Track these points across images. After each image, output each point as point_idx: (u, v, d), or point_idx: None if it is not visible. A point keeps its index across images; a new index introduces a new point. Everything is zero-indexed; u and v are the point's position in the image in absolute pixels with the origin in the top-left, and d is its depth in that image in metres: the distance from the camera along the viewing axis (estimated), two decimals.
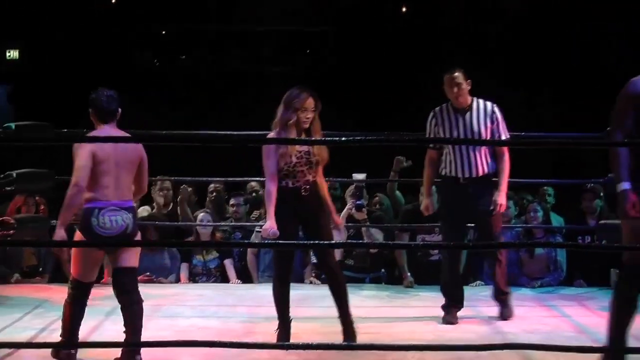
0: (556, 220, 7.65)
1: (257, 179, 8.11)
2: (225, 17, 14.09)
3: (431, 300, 6.73)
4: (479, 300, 6.71)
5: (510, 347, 4.58)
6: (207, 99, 13.41)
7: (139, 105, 12.48)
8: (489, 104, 5.99)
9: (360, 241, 6.96)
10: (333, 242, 5.28)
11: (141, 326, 4.81)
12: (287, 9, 13.77)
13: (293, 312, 5.55)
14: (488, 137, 5.93)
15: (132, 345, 4.79)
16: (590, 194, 7.68)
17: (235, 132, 6.84)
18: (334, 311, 5.77)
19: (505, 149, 5.97)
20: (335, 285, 5.34)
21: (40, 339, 5.34)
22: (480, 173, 5.95)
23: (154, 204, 8.07)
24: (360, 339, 5.35)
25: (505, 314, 6.09)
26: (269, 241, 5.22)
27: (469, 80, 5.95)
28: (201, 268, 7.61)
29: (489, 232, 6.01)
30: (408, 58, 13.46)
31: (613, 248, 5.39)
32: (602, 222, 7.25)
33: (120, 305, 4.88)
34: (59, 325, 5.01)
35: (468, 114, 5.95)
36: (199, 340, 4.29)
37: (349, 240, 5.25)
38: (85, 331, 5.22)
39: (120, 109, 4.94)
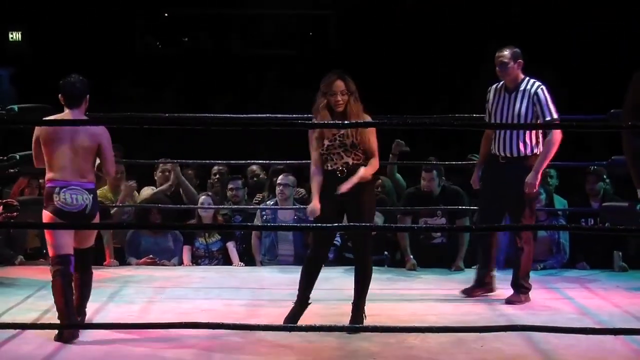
0: (559, 203, 7.64)
1: (259, 162, 8.15)
2: (227, 1, 14.06)
3: (433, 283, 6.75)
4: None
5: (512, 329, 4.60)
6: (209, 83, 13.38)
7: (140, 88, 12.49)
8: (536, 84, 5.99)
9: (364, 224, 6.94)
10: (366, 225, 5.20)
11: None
12: None
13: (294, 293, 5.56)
14: (529, 118, 5.94)
15: (136, 326, 4.81)
16: (593, 176, 7.67)
17: (235, 115, 6.84)
18: (336, 293, 5.80)
19: (554, 131, 5.92)
20: (361, 270, 5.30)
21: (44, 320, 5.34)
22: (519, 153, 5.98)
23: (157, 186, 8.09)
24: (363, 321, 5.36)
25: (512, 300, 6.03)
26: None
27: (519, 61, 5.99)
28: (203, 251, 7.61)
29: (517, 215, 6.01)
30: (412, 42, 13.42)
31: (616, 230, 5.37)
32: (605, 204, 7.25)
33: (80, 281, 5.13)
34: None
35: (514, 94, 6.00)
36: (203, 322, 4.28)
37: (351, 223, 5.19)
38: (88, 313, 5.23)
39: (88, 95, 5.14)
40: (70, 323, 4.89)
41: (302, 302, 5.30)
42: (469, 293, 6.23)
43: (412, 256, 7.30)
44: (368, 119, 5.23)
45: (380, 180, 7.94)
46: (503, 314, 5.70)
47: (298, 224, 7.34)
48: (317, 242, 5.37)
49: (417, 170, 7.65)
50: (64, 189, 5.01)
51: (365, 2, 13.82)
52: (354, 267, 5.40)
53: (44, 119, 5.18)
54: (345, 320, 5.22)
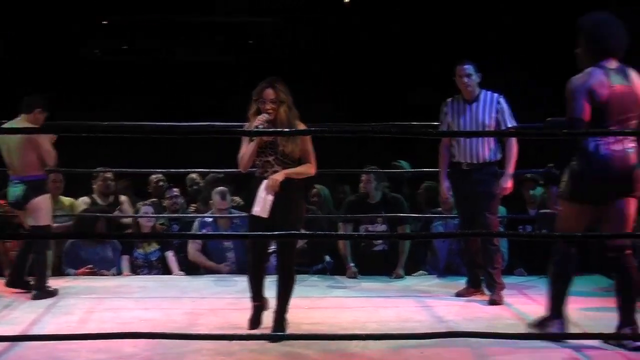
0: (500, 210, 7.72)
1: (197, 170, 8.10)
2: (169, 8, 13.98)
3: (374, 290, 6.77)
4: (421, 289, 6.76)
5: (452, 336, 4.62)
6: (152, 91, 13.29)
7: (83, 96, 12.36)
8: (495, 95, 6.33)
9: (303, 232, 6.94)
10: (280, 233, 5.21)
11: None
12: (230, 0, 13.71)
13: (238, 302, 5.54)
14: (493, 126, 6.25)
15: (74, 337, 4.74)
16: (530, 183, 7.78)
17: (176, 124, 6.79)
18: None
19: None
20: (284, 279, 5.30)
21: None
22: (484, 159, 6.26)
23: (94, 195, 7.99)
24: (304, 329, 5.36)
25: (493, 301, 6.23)
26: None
27: (479, 73, 6.30)
28: (142, 260, 7.54)
29: (484, 219, 6.25)
30: (354, 48, 13.49)
31: (553, 237, 5.47)
32: (542, 211, 7.35)
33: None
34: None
35: (475, 104, 6.30)
36: (143, 332, 4.24)
37: (288, 232, 5.18)
38: (25, 324, 5.15)
39: (31, 105, 6.38)
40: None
41: (257, 306, 5.37)
42: (463, 294, 6.43)
43: (352, 264, 7.32)
44: (301, 127, 5.22)
45: (315, 189, 7.97)
46: (443, 320, 5.74)
47: (235, 232, 7.35)
48: (252, 249, 5.41)
49: (358, 178, 7.70)
50: (9, 184, 6.44)
51: (306, 9, 13.85)
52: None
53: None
54: (292, 328, 5.24)
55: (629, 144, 4.84)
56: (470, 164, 6.30)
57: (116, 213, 7.87)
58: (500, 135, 6.37)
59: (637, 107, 4.87)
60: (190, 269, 7.54)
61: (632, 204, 4.91)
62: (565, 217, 4.98)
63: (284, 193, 5.18)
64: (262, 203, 5.18)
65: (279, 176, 5.16)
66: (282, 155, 5.21)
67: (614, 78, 4.84)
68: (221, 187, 7.53)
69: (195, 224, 7.66)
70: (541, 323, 5.15)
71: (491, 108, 6.27)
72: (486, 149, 6.28)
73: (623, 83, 4.84)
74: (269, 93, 5.20)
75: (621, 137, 4.80)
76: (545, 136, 5.04)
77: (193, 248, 7.52)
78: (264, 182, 5.20)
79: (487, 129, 6.26)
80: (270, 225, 5.08)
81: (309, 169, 5.26)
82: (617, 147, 4.81)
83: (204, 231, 7.56)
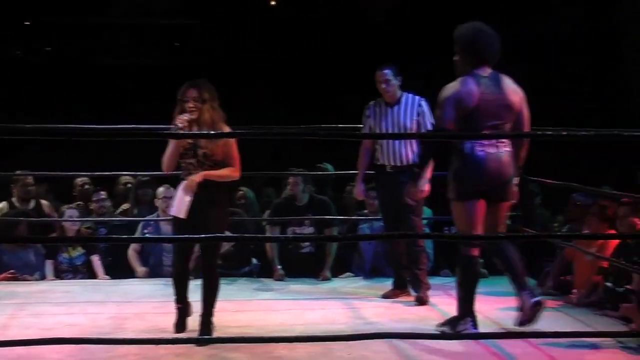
0: (424, 212, 7.80)
1: (125, 173, 8.00)
2: (92, 10, 13.82)
3: (301, 293, 6.78)
4: (348, 291, 6.79)
5: (378, 337, 4.67)
6: (73, 92, 13.10)
7: (3, 97, 12.13)
8: (416, 98, 6.41)
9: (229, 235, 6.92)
10: (203, 236, 5.20)
11: None
12: (156, 2, 13.61)
13: (165, 305, 5.49)
14: (414, 129, 6.33)
15: None
16: None
17: (100, 126, 6.70)
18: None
19: None
20: (207, 283, 5.29)
21: None
22: (406, 162, 6.33)
23: (13, 200, 7.82)
24: (231, 332, 5.35)
25: (419, 298, 6.36)
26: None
27: (399, 77, 6.38)
28: (67, 265, 7.42)
29: (409, 221, 6.34)
30: (282, 50, 13.51)
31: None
32: None
33: None
34: None
35: (396, 107, 6.37)
36: (66, 337, 4.18)
37: (214, 234, 5.17)
38: None
39: None
40: None
41: (180, 309, 5.38)
42: (389, 296, 6.48)
43: (280, 266, 7.32)
44: (226, 129, 5.23)
45: (242, 192, 7.95)
46: (370, 322, 5.78)
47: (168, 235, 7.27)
48: (176, 251, 5.46)
49: (284, 180, 7.71)
50: None
51: (232, 11, 13.83)
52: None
53: None
54: (219, 331, 5.22)
55: (504, 148, 5.22)
56: (394, 167, 6.37)
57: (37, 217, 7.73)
58: (418, 138, 6.46)
59: (510, 113, 5.25)
60: (116, 273, 7.43)
61: (505, 208, 5.37)
62: (458, 217, 5.30)
63: (204, 195, 5.18)
64: (179, 203, 5.21)
65: (197, 177, 5.17)
66: (204, 157, 5.21)
67: (485, 86, 5.21)
68: (164, 189, 7.42)
69: (139, 228, 7.57)
70: (451, 322, 5.31)
71: (412, 111, 6.36)
72: (409, 152, 6.36)
73: (494, 91, 5.22)
74: (192, 92, 5.20)
75: (494, 141, 5.19)
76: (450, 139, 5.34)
77: (131, 248, 7.44)
78: (183, 183, 5.22)
79: (408, 132, 6.36)
80: (192, 227, 5.08)
81: (231, 172, 5.25)
82: (491, 149, 5.19)
83: (145, 231, 7.49)
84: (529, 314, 5.22)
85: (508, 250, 5.40)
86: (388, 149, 6.38)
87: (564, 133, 5.24)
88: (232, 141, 5.24)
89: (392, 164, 6.38)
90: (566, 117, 10.65)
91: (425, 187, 6.27)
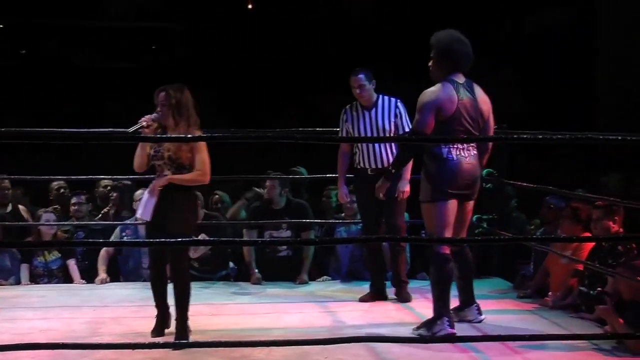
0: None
1: (104, 177, 7.94)
2: (69, 12, 13.75)
3: (279, 296, 6.77)
4: (325, 295, 6.79)
5: (356, 340, 4.66)
6: (51, 95, 13.03)
7: None
8: (393, 100, 6.46)
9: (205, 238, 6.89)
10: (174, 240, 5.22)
11: None
12: (133, 4, 13.57)
13: (142, 310, 5.45)
14: (393, 131, 6.39)
15: None
16: None
17: (80, 130, 6.66)
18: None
19: None
20: (177, 287, 5.28)
21: None
22: (387, 164, 6.34)
23: None
24: (208, 336, 5.33)
25: (403, 298, 6.46)
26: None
27: (373, 81, 6.42)
28: (42, 269, 7.37)
29: (393, 221, 6.40)
30: (262, 53, 13.50)
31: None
32: None
33: None
34: None
35: (373, 110, 6.42)
36: (41, 342, 4.15)
37: (191, 238, 5.17)
38: None
39: None
40: None
41: (158, 313, 5.39)
42: (366, 299, 6.49)
43: (257, 270, 7.31)
44: (196, 133, 5.26)
45: (218, 196, 7.93)
46: (347, 325, 5.79)
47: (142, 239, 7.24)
48: (151, 252, 5.50)
49: (261, 184, 7.71)
50: None
51: (211, 13, 13.80)
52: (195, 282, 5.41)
53: None
54: (197, 336, 5.22)
55: (473, 151, 5.47)
56: (375, 169, 6.39)
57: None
58: (396, 141, 6.49)
59: (481, 119, 5.49)
60: (92, 277, 7.38)
61: (471, 206, 5.63)
62: (433, 218, 5.41)
63: (169, 198, 5.24)
64: (144, 206, 5.28)
65: (162, 181, 5.26)
66: (169, 160, 5.27)
67: (462, 92, 5.43)
68: (142, 192, 7.37)
69: (117, 231, 7.53)
70: (428, 324, 5.35)
71: (390, 113, 6.41)
72: (389, 154, 6.39)
73: (469, 97, 5.44)
74: (161, 97, 5.31)
75: (467, 145, 5.43)
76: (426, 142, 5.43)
77: (104, 250, 7.38)
78: (150, 186, 5.31)
79: (387, 134, 6.39)
80: (161, 230, 5.16)
81: (198, 177, 5.28)
82: (465, 153, 5.42)
83: (123, 234, 7.45)
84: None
85: (470, 257, 5.72)
86: (369, 153, 6.42)
87: (540, 137, 5.31)
88: (202, 146, 5.27)
89: (374, 166, 6.42)
90: (545, 120, 10.74)
91: (407, 188, 6.37)
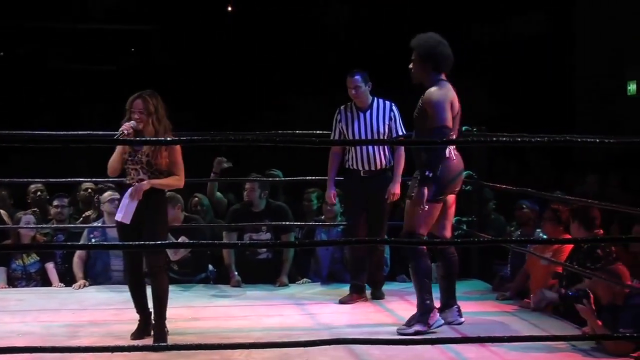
0: None
1: (84, 179, 7.89)
2: (48, 15, 13.68)
3: (259, 299, 6.77)
4: (305, 297, 6.79)
5: (336, 342, 4.66)
6: (29, 98, 12.96)
7: None
8: (387, 103, 6.49)
9: (185, 241, 6.87)
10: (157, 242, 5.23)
11: None
12: (112, 7, 13.52)
13: (121, 313, 5.42)
14: (386, 134, 6.42)
15: None
16: None
17: (57, 132, 6.62)
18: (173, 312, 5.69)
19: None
20: (155, 289, 5.31)
21: None
22: (379, 166, 6.42)
23: None
24: (188, 338, 5.32)
25: (377, 295, 6.62)
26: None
27: (369, 83, 6.45)
28: (20, 272, 7.32)
29: (379, 224, 6.49)
30: (241, 56, 13.49)
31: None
32: None
33: None
34: None
35: (368, 112, 6.45)
36: (19, 346, 4.12)
37: (167, 241, 5.20)
38: None
39: None
40: None
41: (141, 317, 5.41)
42: (346, 301, 6.50)
43: (236, 272, 7.29)
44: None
45: (197, 199, 7.91)
46: (327, 327, 5.79)
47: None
48: (127, 257, 5.56)
49: (241, 186, 7.69)
50: None
51: (191, 16, 13.78)
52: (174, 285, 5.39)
53: None
54: (176, 338, 5.21)
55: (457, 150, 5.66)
56: (368, 171, 6.44)
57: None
58: (390, 144, 6.54)
59: (458, 117, 5.62)
60: (71, 280, 7.34)
61: (454, 199, 5.76)
62: (425, 217, 5.48)
63: (149, 201, 5.30)
64: (124, 209, 5.32)
65: (145, 185, 5.30)
66: (147, 165, 5.33)
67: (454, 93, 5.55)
68: (110, 193, 7.33)
69: (85, 234, 7.48)
70: (419, 318, 5.43)
71: (384, 116, 6.44)
72: (382, 156, 6.44)
73: (455, 97, 5.55)
74: (138, 104, 5.34)
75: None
76: (428, 144, 5.45)
77: (77, 255, 7.33)
78: (129, 189, 5.33)
79: (381, 137, 6.43)
80: (136, 233, 5.23)
81: (176, 181, 5.42)
82: (456, 152, 5.61)
83: (91, 236, 7.40)
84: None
85: (455, 258, 5.82)
86: (362, 154, 6.44)
87: (519, 139, 5.33)
88: (178, 151, 5.38)
89: (367, 168, 6.45)
90: (524, 122, 10.80)
91: (398, 190, 6.44)
